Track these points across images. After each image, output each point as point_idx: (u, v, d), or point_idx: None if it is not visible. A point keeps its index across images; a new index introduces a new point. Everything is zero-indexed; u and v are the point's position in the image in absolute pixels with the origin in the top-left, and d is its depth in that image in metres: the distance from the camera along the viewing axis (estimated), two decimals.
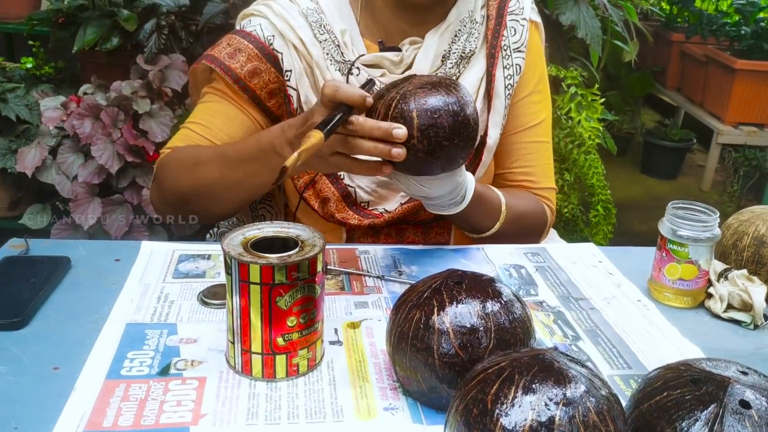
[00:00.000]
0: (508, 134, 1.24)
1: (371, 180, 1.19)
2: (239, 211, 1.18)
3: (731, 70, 3.96)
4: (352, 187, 1.19)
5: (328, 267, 1.03)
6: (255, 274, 0.73)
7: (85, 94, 2.43)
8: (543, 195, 1.26)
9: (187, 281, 0.98)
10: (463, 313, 0.71)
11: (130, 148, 2.28)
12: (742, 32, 4.00)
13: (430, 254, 1.10)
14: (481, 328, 0.71)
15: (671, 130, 4.33)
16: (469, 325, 0.71)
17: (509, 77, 1.20)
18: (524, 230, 1.19)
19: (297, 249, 0.76)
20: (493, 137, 1.21)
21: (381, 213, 1.19)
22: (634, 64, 3.53)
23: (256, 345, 0.76)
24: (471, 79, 1.19)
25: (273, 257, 0.74)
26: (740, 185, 4.04)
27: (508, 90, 1.20)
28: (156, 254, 1.05)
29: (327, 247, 1.11)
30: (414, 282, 0.99)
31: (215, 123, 1.14)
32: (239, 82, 1.13)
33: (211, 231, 1.58)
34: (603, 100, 2.16)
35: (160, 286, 0.97)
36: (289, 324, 0.75)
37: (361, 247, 1.12)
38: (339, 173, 1.19)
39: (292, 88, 1.16)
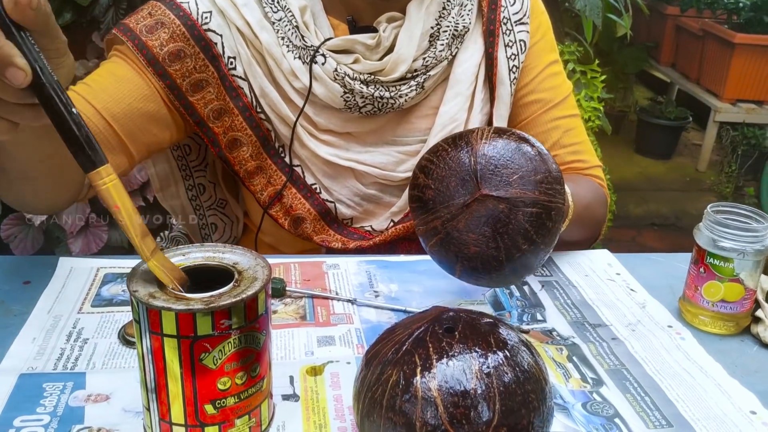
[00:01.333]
0: (536, 114, 1.04)
1: (353, 192, 0.99)
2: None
3: (729, 45, 3.78)
4: (330, 202, 0.99)
5: (287, 288, 0.83)
6: (170, 324, 0.53)
7: None
8: (595, 175, 1.05)
9: (109, 311, 0.78)
10: (456, 372, 0.52)
11: None
12: (741, 4, 3.82)
13: (413, 267, 0.91)
14: (481, 395, 0.51)
15: (666, 108, 4.15)
16: (463, 390, 0.51)
17: (513, 57, 1.00)
18: (589, 227, 0.98)
19: (230, 285, 0.56)
20: None
21: (368, 232, 1.00)
22: (631, 39, 3.35)
23: (177, 415, 0.56)
24: (467, 64, 0.99)
25: (195, 299, 0.54)
26: (738, 165, 3.89)
27: (514, 73, 1.00)
28: (75, 274, 0.85)
29: (288, 260, 0.92)
30: (392, 307, 0.81)
31: (101, 82, 0.89)
32: (155, 64, 0.90)
33: (162, 234, 1.38)
34: (603, 77, 1.96)
35: (73, 318, 0.77)
36: (221, 387, 0.56)
37: (329, 260, 0.92)
38: (314, 185, 0.98)
39: (239, 78, 0.94)
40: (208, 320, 0.53)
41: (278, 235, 1.03)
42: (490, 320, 0.57)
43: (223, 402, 0.56)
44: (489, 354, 0.53)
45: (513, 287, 0.88)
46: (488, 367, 0.52)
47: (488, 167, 0.67)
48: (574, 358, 0.74)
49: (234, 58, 0.92)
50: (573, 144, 1.05)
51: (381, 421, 0.53)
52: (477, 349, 0.53)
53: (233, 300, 0.54)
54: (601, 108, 1.93)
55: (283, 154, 0.98)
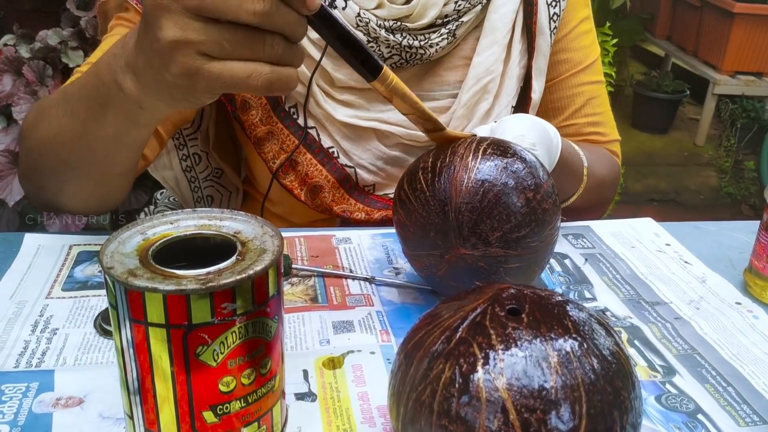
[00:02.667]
0: (563, 76, 0.94)
1: (375, 156, 0.87)
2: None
3: (729, 15, 3.67)
4: (350, 167, 0.87)
5: (293, 266, 0.71)
6: (156, 309, 0.41)
7: (5, 45, 2.06)
8: (612, 149, 0.97)
9: (84, 295, 0.66)
10: (530, 367, 0.40)
11: None
12: None
13: None
14: (563, 395, 0.40)
15: (663, 82, 4.04)
16: (540, 388, 0.40)
17: (554, 3, 0.88)
18: (597, 202, 0.88)
19: (233, 259, 0.44)
20: (537, 90, 0.91)
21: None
22: (627, 10, 3.23)
23: (168, 424, 0.44)
24: (504, 9, 0.86)
25: (188, 277, 0.42)
26: (737, 139, 3.80)
27: (554, 22, 0.89)
28: (44, 252, 0.73)
29: (292, 233, 0.80)
30: (418, 286, 0.69)
31: None
32: None
33: (146, 209, 1.25)
34: (615, 40, 1.84)
35: (40, 304, 0.64)
36: (224, 388, 0.44)
37: (339, 233, 0.80)
38: (331, 149, 0.87)
39: None
40: (206, 304, 0.41)
41: (290, 203, 0.91)
42: (561, 298, 0.46)
43: (227, 407, 0.44)
44: (569, 341, 0.42)
45: (553, 261, 0.76)
46: (570, 359, 0.41)
47: (468, 223, 0.59)
48: (637, 342, 0.63)
49: None
50: (595, 114, 0.96)
51: (431, 429, 0.41)
52: (552, 335, 0.42)
53: (238, 278, 0.41)
54: (613, 74, 1.82)
55: (295, 116, 0.86)
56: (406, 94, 0.60)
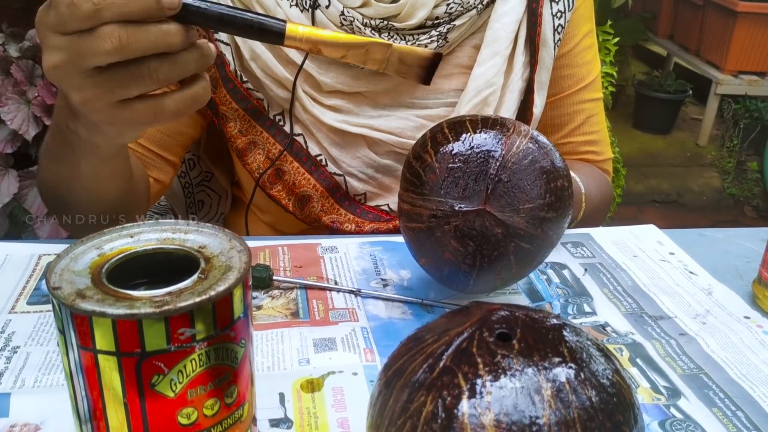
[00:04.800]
0: (566, 93, 0.90)
1: (365, 163, 0.83)
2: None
3: (732, 14, 3.63)
4: (339, 175, 0.83)
5: (275, 278, 0.67)
6: (105, 336, 0.37)
7: None
8: (606, 168, 0.95)
9: (50, 309, 0.62)
10: (520, 400, 0.36)
11: (48, 108, 1.89)
12: None
13: None
14: (556, 430, 0.36)
15: (665, 81, 4.00)
16: (531, 424, 0.36)
17: (559, 15, 0.84)
18: (590, 223, 0.84)
19: (194, 278, 0.40)
20: (539, 105, 0.87)
21: (386, 212, 0.84)
22: (629, 9, 3.19)
23: None
24: (506, 19, 0.82)
25: (142, 299, 0.38)
26: (740, 139, 3.76)
27: (558, 34, 0.85)
28: (11, 263, 0.69)
29: (275, 242, 0.76)
30: (405, 299, 0.65)
31: None
32: None
33: None
34: (617, 39, 1.80)
35: (3, 319, 0.60)
36: (184, 420, 0.40)
37: (325, 242, 0.76)
38: (319, 157, 0.83)
39: (222, 42, 0.79)
40: (161, 329, 0.37)
41: (278, 214, 0.87)
42: (557, 321, 0.41)
43: None
44: (564, 370, 0.37)
45: (551, 271, 0.72)
46: (565, 391, 0.37)
47: (508, 183, 0.56)
48: (639, 360, 0.59)
49: None
50: (591, 132, 0.94)
51: None
52: (546, 363, 0.38)
53: (197, 300, 0.37)
54: (614, 73, 1.77)
55: (281, 123, 0.82)
56: (327, 39, 0.55)
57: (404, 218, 0.61)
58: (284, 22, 0.53)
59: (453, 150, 0.58)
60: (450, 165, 0.57)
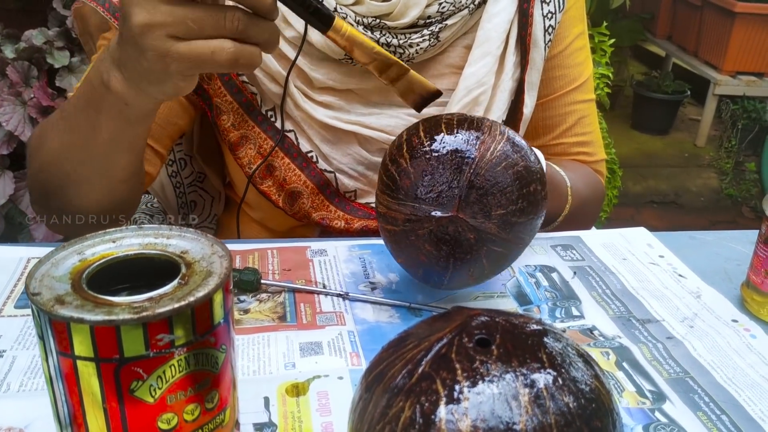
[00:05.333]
0: (557, 94, 0.90)
1: (356, 160, 0.83)
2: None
3: (730, 14, 3.63)
4: (329, 172, 0.83)
5: (262, 281, 0.67)
6: (84, 342, 0.37)
7: None
8: (598, 169, 0.94)
9: None
10: (498, 406, 0.36)
11: (44, 110, 1.89)
12: None
13: None
14: None
15: (664, 82, 3.99)
16: (507, 428, 0.36)
17: (550, 16, 0.84)
18: (580, 221, 0.85)
19: (174, 283, 0.40)
20: (529, 105, 0.87)
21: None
22: (626, 10, 3.19)
23: None
24: (498, 20, 0.82)
25: (120, 304, 0.38)
26: (738, 140, 3.76)
27: (548, 35, 0.85)
28: None
29: (265, 245, 0.76)
30: (393, 303, 0.65)
31: None
32: None
33: (120, 217, 1.21)
34: (612, 41, 1.80)
35: None
36: (164, 426, 0.40)
37: (315, 245, 0.76)
38: (310, 153, 0.83)
39: None
40: (139, 335, 0.37)
41: (268, 209, 0.87)
42: (537, 326, 0.41)
43: None
44: (542, 375, 0.37)
45: (540, 275, 0.72)
46: (543, 397, 0.37)
47: (481, 189, 0.57)
48: (625, 364, 0.59)
49: None
50: (583, 134, 0.94)
51: None
52: (524, 369, 0.38)
53: (176, 305, 0.37)
54: (610, 74, 1.77)
55: (273, 119, 0.82)
56: (363, 42, 0.60)
57: (381, 219, 0.62)
58: (335, 13, 0.55)
59: (427, 155, 0.58)
60: (424, 170, 0.58)
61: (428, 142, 0.59)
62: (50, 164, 0.72)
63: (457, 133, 0.59)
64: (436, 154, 0.58)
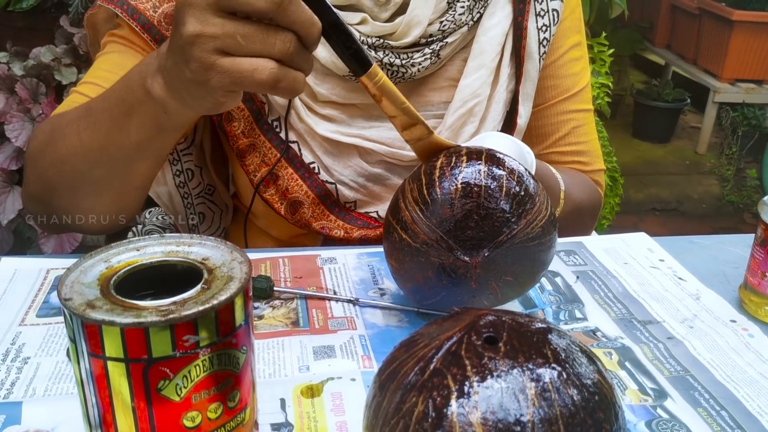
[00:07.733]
0: (549, 103, 0.92)
1: (357, 172, 0.86)
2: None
3: (728, 23, 3.66)
4: (330, 183, 0.86)
5: (275, 288, 0.69)
6: (114, 343, 0.39)
7: None
8: (596, 179, 0.96)
9: (58, 321, 0.64)
10: (506, 399, 0.38)
11: None
12: None
13: None
14: (540, 429, 0.38)
15: (664, 90, 4.02)
16: (517, 422, 0.38)
17: (544, 29, 0.87)
18: (575, 226, 0.87)
19: (197, 288, 0.42)
20: (524, 115, 0.89)
21: (375, 219, 0.86)
22: (625, 19, 3.23)
23: None
24: (493, 33, 0.85)
25: (148, 308, 0.40)
26: (739, 146, 3.78)
27: (543, 47, 0.87)
28: (20, 277, 0.71)
29: (276, 254, 0.78)
30: (402, 308, 0.68)
31: (108, 78, 0.76)
32: (150, 29, 0.78)
33: (134, 229, 1.23)
34: (612, 51, 1.83)
35: (13, 332, 0.63)
36: (188, 423, 0.42)
37: (324, 253, 0.78)
38: (312, 164, 0.86)
39: None
40: (167, 337, 0.39)
41: (271, 217, 0.89)
42: (542, 325, 0.44)
43: None
44: (548, 371, 0.40)
45: (544, 279, 0.74)
46: (549, 390, 0.39)
47: (506, 256, 0.59)
48: (627, 364, 0.61)
49: None
50: (578, 143, 0.95)
51: None
52: (530, 365, 0.40)
53: (200, 308, 0.40)
54: (610, 84, 1.80)
55: (278, 129, 0.85)
56: (394, 94, 0.60)
57: (400, 224, 0.61)
58: (373, 60, 0.57)
59: (479, 201, 0.57)
60: (469, 213, 0.57)
61: (485, 190, 0.58)
62: (63, 162, 0.71)
63: (512, 194, 0.58)
64: (487, 204, 0.57)
